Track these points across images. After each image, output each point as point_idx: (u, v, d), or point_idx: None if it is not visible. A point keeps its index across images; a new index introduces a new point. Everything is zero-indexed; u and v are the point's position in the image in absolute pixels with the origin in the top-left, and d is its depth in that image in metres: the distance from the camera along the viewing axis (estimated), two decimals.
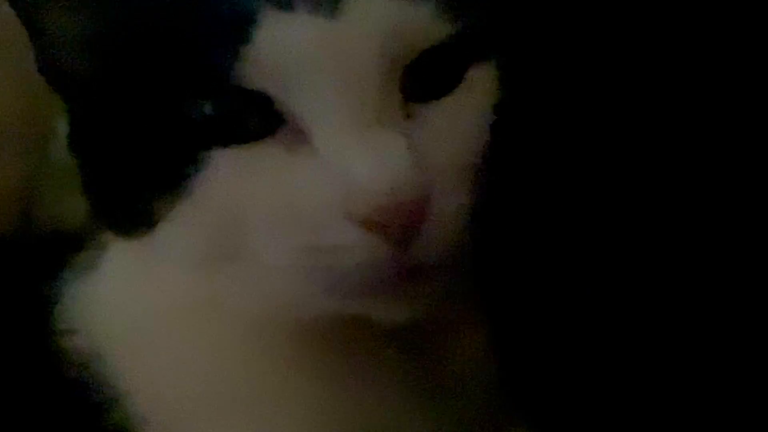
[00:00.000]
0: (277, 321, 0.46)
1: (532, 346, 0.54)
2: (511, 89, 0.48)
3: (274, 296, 0.44)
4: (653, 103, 0.52)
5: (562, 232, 0.53)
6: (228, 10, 0.42)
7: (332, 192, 0.41)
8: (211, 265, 0.45)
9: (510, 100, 0.48)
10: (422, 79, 0.44)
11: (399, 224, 0.41)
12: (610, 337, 0.53)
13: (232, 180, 0.43)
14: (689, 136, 0.51)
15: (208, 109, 0.42)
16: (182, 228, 0.44)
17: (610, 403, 0.52)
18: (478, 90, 0.46)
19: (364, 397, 0.49)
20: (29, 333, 0.50)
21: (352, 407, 0.49)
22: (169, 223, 0.44)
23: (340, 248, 0.42)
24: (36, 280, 0.51)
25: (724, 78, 0.51)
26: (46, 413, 0.48)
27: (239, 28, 0.41)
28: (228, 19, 0.42)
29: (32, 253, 0.55)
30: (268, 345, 0.47)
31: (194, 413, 0.47)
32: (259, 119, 0.43)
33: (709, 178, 0.51)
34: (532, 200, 0.53)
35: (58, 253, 0.51)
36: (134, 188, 0.44)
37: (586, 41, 0.51)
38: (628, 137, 0.52)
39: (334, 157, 0.41)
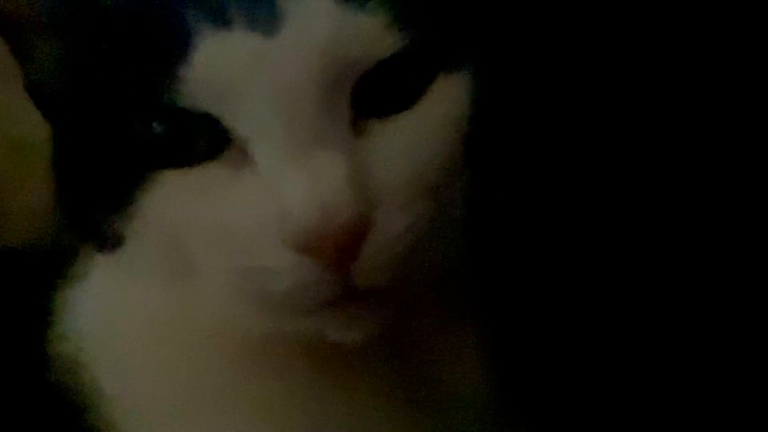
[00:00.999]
0: (240, 335, 0.46)
1: (532, 352, 0.53)
2: (496, 96, 0.47)
3: (226, 313, 0.44)
4: (643, 105, 0.50)
5: (560, 236, 0.52)
6: (165, 29, 0.42)
7: (268, 214, 0.41)
8: (171, 281, 0.45)
9: (498, 104, 0.47)
10: (378, 92, 0.43)
11: (333, 248, 0.40)
12: (611, 343, 0.51)
13: (178, 201, 0.43)
14: (682, 145, 0.49)
15: (158, 129, 0.42)
16: (139, 246, 0.44)
17: (611, 410, 0.51)
18: (442, 103, 0.44)
19: (343, 407, 0.49)
20: (27, 339, 0.52)
21: (328, 418, 0.48)
22: (130, 241, 0.45)
23: (273, 271, 0.41)
24: (43, 288, 0.54)
25: (718, 79, 0.48)
26: (30, 415, 0.50)
27: (176, 48, 0.41)
28: (165, 38, 0.42)
29: (42, 263, 0.58)
30: (237, 357, 0.47)
31: (168, 425, 0.48)
32: (207, 139, 0.42)
33: (708, 179, 0.48)
34: (529, 203, 0.52)
35: (60, 263, 0.54)
36: (94, 207, 0.45)
37: (567, 44, 0.50)
38: (620, 140, 0.50)
39: (271, 179, 0.41)
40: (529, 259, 0.51)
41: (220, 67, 0.41)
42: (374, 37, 0.42)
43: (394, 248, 0.42)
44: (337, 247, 0.40)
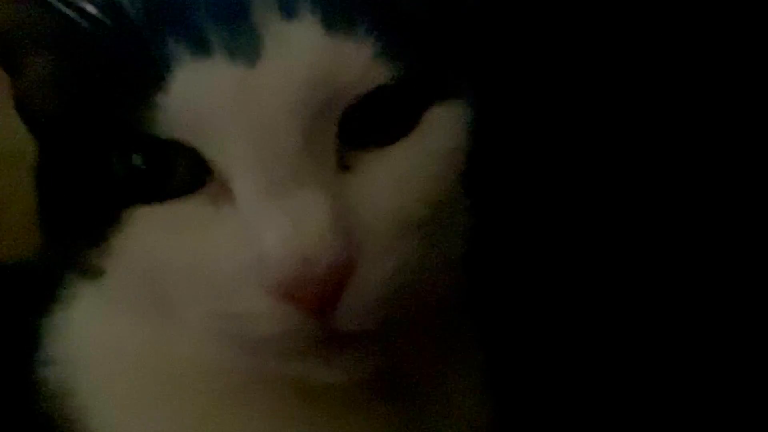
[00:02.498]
0: (223, 372, 0.45)
1: (530, 386, 0.52)
2: (495, 124, 0.45)
3: (206, 352, 0.43)
4: (647, 130, 0.48)
5: (561, 268, 0.51)
6: (144, 54, 0.40)
7: (246, 257, 0.39)
8: (150, 317, 0.44)
9: (497, 132, 0.46)
10: (366, 124, 0.41)
11: (313, 296, 0.38)
12: (613, 381, 0.50)
13: (155, 238, 0.41)
14: (682, 164, 0.47)
15: (137, 161, 0.41)
16: (117, 281, 0.43)
17: None
18: (436, 133, 0.43)
19: None
20: (14, 362, 0.51)
21: None
22: (109, 274, 0.43)
23: (251, 317, 0.40)
24: (32, 307, 0.53)
25: (720, 90, 0.47)
26: None
27: (154, 74, 0.40)
28: (143, 63, 0.40)
29: (31, 280, 0.56)
30: (222, 393, 0.46)
31: None
32: (187, 172, 0.41)
33: (707, 193, 0.47)
34: (530, 232, 0.50)
35: (50, 281, 0.53)
36: (73, 238, 0.44)
37: (563, 68, 0.48)
38: (623, 169, 0.49)
39: (249, 219, 0.39)
40: (530, 290, 0.50)
41: (198, 96, 0.39)
42: (362, 67, 0.40)
43: (378, 292, 0.40)
44: (318, 296, 0.38)
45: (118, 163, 0.41)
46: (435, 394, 0.49)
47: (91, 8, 0.41)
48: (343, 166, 0.41)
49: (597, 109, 0.50)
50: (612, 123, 0.49)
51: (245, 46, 0.39)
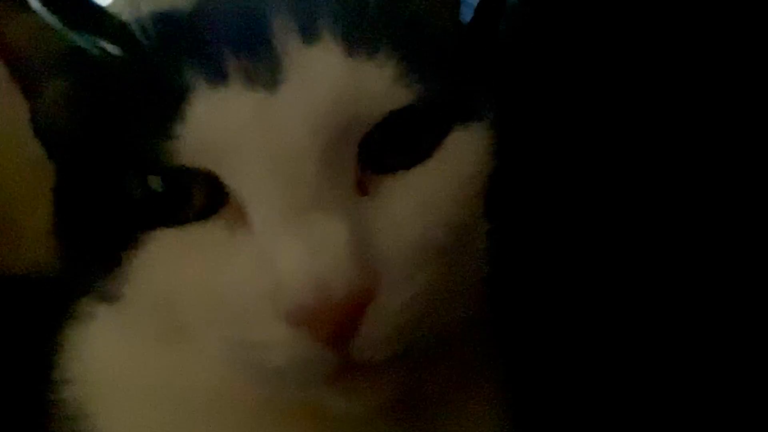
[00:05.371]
0: (239, 398, 0.43)
1: (551, 407, 0.50)
2: (517, 145, 0.44)
3: (222, 379, 0.42)
4: (667, 150, 0.46)
5: (582, 290, 0.49)
6: (161, 82, 0.39)
7: (262, 284, 0.38)
8: (166, 342, 0.43)
9: (519, 153, 0.44)
10: (386, 148, 0.40)
11: (329, 325, 0.37)
12: (635, 401, 0.48)
13: (170, 263, 0.40)
14: (711, 193, 0.45)
15: (154, 184, 0.40)
16: (133, 306, 0.42)
17: None
18: (456, 157, 0.42)
19: None
20: (30, 382, 0.50)
21: None
22: (125, 299, 0.42)
23: (267, 345, 0.39)
24: (49, 323, 0.52)
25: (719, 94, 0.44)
26: None
27: (171, 103, 0.39)
28: (160, 92, 0.39)
29: (50, 294, 0.56)
30: (238, 419, 0.45)
31: None
32: (203, 196, 0.40)
33: (715, 204, 0.45)
34: (552, 254, 0.49)
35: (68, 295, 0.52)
36: (89, 264, 0.43)
37: (587, 89, 0.46)
38: (646, 188, 0.47)
39: (266, 244, 0.38)
40: (551, 311, 0.48)
41: (216, 124, 0.39)
42: (383, 90, 0.40)
43: (395, 322, 0.39)
44: (334, 324, 0.37)
45: (134, 186, 0.41)
46: (454, 417, 0.48)
47: (102, 42, 0.40)
48: (362, 191, 0.40)
49: (618, 131, 0.48)
50: (631, 146, 0.47)
51: (265, 72, 0.39)
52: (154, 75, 0.40)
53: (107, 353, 0.48)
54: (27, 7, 0.43)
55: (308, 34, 0.40)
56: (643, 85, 0.46)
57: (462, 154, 0.42)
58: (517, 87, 0.46)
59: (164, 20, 0.42)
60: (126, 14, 0.43)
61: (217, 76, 0.39)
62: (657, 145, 0.46)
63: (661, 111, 0.46)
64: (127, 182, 0.41)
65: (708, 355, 0.46)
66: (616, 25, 0.49)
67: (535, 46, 0.49)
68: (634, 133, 0.47)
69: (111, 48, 0.41)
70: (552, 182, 0.48)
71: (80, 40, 0.41)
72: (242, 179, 0.39)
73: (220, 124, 0.39)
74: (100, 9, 0.43)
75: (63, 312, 0.51)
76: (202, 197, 0.40)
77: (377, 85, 0.39)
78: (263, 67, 0.39)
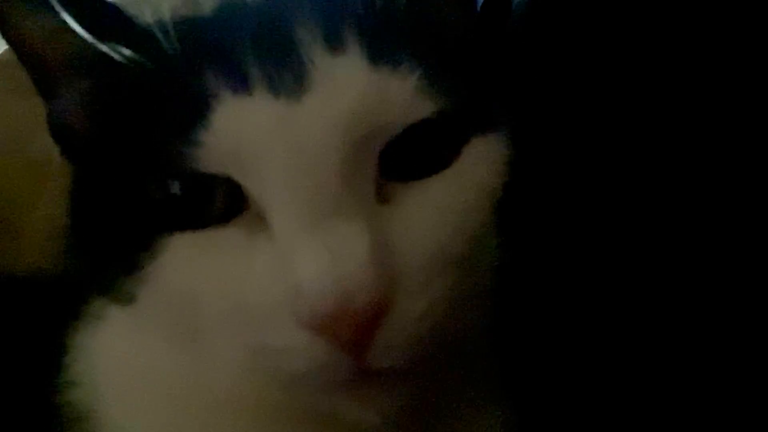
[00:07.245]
0: (254, 402, 0.44)
1: (556, 416, 0.51)
2: (532, 158, 0.44)
3: (238, 383, 0.42)
4: (684, 164, 0.47)
5: (588, 304, 0.49)
6: (184, 90, 0.40)
7: (281, 289, 0.38)
8: (182, 345, 0.43)
9: (534, 166, 0.44)
10: (406, 157, 0.41)
11: (348, 331, 0.38)
12: (642, 415, 0.49)
13: (189, 267, 0.41)
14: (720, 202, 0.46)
15: (174, 188, 0.41)
16: (150, 308, 0.42)
17: None
18: (476, 166, 0.42)
19: None
20: (35, 385, 0.50)
21: None
22: (141, 301, 0.43)
23: (285, 350, 0.39)
24: (54, 324, 0.52)
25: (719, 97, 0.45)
26: None
27: (194, 111, 0.39)
28: (184, 100, 0.40)
29: (53, 294, 0.55)
30: (252, 424, 0.45)
31: None
32: (224, 200, 0.41)
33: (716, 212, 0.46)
34: (561, 268, 0.49)
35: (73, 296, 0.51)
36: (105, 265, 0.44)
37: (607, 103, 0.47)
38: (660, 203, 0.47)
39: (287, 250, 0.39)
40: (558, 325, 0.49)
41: (240, 132, 0.39)
42: (406, 100, 0.40)
43: (413, 330, 0.39)
44: (353, 331, 0.38)
45: (154, 189, 0.41)
46: (460, 426, 0.48)
47: (124, 49, 0.40)
48: (382, 199, 0.41)
49: (628, 139, 0.48)
50: (644, 160, 0.48)
51: (289, 80, 0.39)
52: (178, 81, 0.40)
53: (118, 355, 0.48)
54: (47, 7, 0.43)
55: (333, 43, 0.40)
56: (653, 92, 0.47)
57: (480, 164, 0.42)
58: (526, 96, 0.46)
59: (187, 26, 0.42)
60: (147, 16, 0.43)
61: (241, 84, 0.39)
62: (675, 158, 0.47)
63: (679, 121, 0.47)
64: (148, 185, 0.41)
65: (708, 357, 0.47)
66: (620, 30, 0.49)
67: (543, 53, 0.50)
68: (645, 142, 0.47)
69: (134, 55, 0.41)
70: (561, 190, 0.48)
71: (103, 46, 0.41)
72: (264, 186, 0.39)
73: (243, 132, 0.39)
74: (123, 14, 0.43)
75: (67, 313, 0.51)
76: (221, 202, 0.41)
77: (400, 96, 0.40)
78: (287, 76, 0.39)
